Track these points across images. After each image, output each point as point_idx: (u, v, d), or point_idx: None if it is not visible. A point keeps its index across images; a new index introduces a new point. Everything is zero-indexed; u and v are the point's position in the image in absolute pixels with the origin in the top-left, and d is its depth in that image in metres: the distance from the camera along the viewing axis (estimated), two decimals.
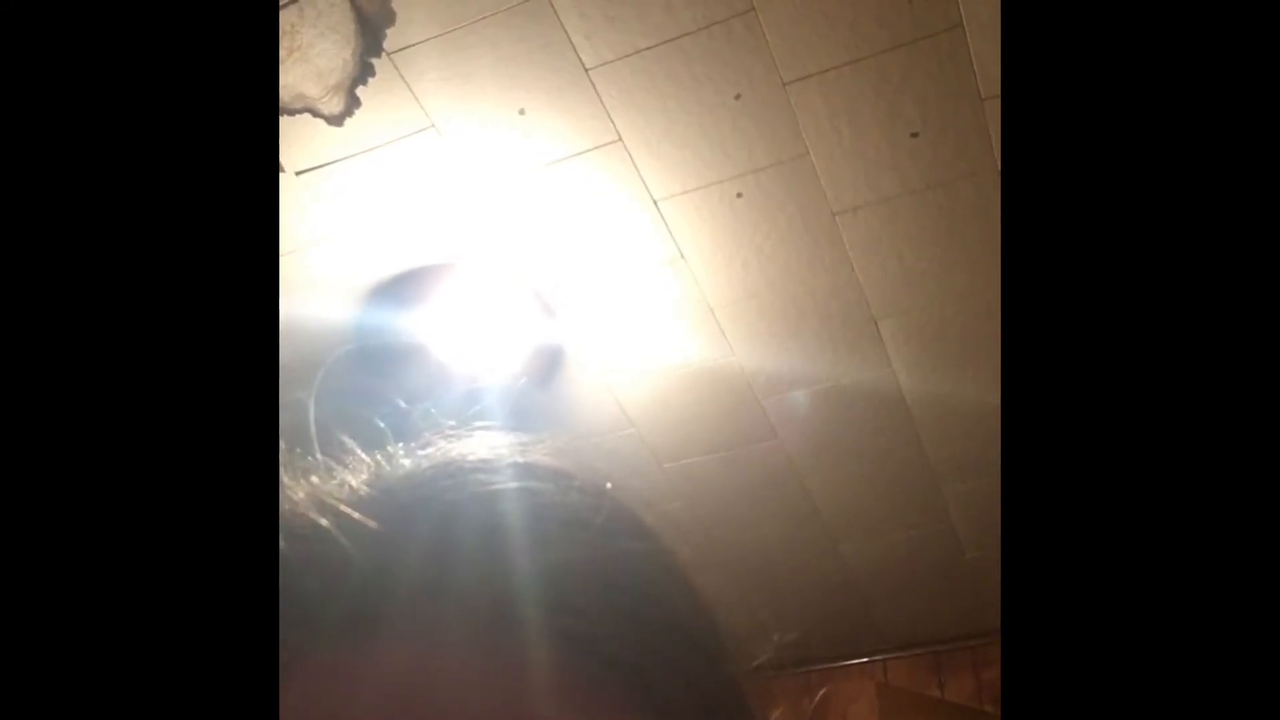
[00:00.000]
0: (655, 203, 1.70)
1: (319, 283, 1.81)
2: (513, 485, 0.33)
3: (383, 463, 0.34)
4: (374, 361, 1.89)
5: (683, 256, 1.78)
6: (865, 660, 2.73)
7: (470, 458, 0.34)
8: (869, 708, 2.56)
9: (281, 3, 1.41)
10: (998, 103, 1.54)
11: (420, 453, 0.35)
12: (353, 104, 1.53)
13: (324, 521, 0.31)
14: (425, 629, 0.29)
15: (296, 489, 0.32)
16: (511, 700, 0.28)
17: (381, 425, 0.35)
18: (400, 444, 0.35)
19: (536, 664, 0.29)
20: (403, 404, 0.37)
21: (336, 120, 1.54)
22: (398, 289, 1.84)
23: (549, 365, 1.97)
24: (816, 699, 2.72)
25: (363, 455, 0.34)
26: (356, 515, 0.31)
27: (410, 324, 1.87)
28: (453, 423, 0.35)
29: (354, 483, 0.33)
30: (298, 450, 0.33)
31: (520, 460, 0.34)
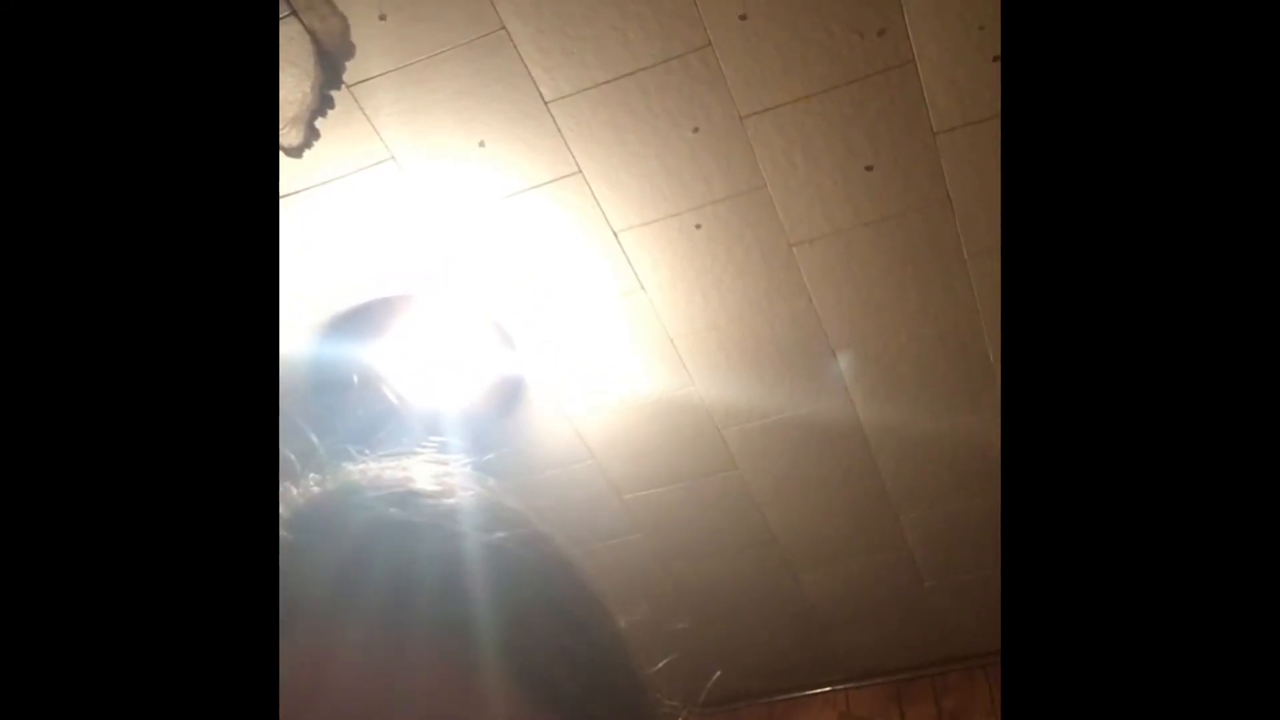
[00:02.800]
0: (615, 234, 1.71)
1: None
2: (399, 492, 0.35)
3: (291, 488, 0.36)
4: (332, 394, 1.88)
5: (642, 287, 1.80)
6: (827, 690, 2.73)
7: (367, 479, 0.36)
8: None
9: None
10: (948, 137, 1.58)
11: (329, 478, 0.37)
12: (312, 136, 1.54)
13: None
14: (323, 631, 0.30)
15: None
16: (395, 685, 0.29)
17: (291, 456, 0.37)
18: (311, 473, 0.36)
19: (425, 651, 0.30)
20: (313, 438, 0.38)
21: (295, 152, 1.54)
22: (357, 321, 1.84)
23: (509, 396, 1.97)
24: None
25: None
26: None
27: (368, 356, 1.86)
28: (366, 450, 0.37)
29: None
30: None
31: (406, 475, 0.36)
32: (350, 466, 0.36)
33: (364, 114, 1.54)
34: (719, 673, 2.44)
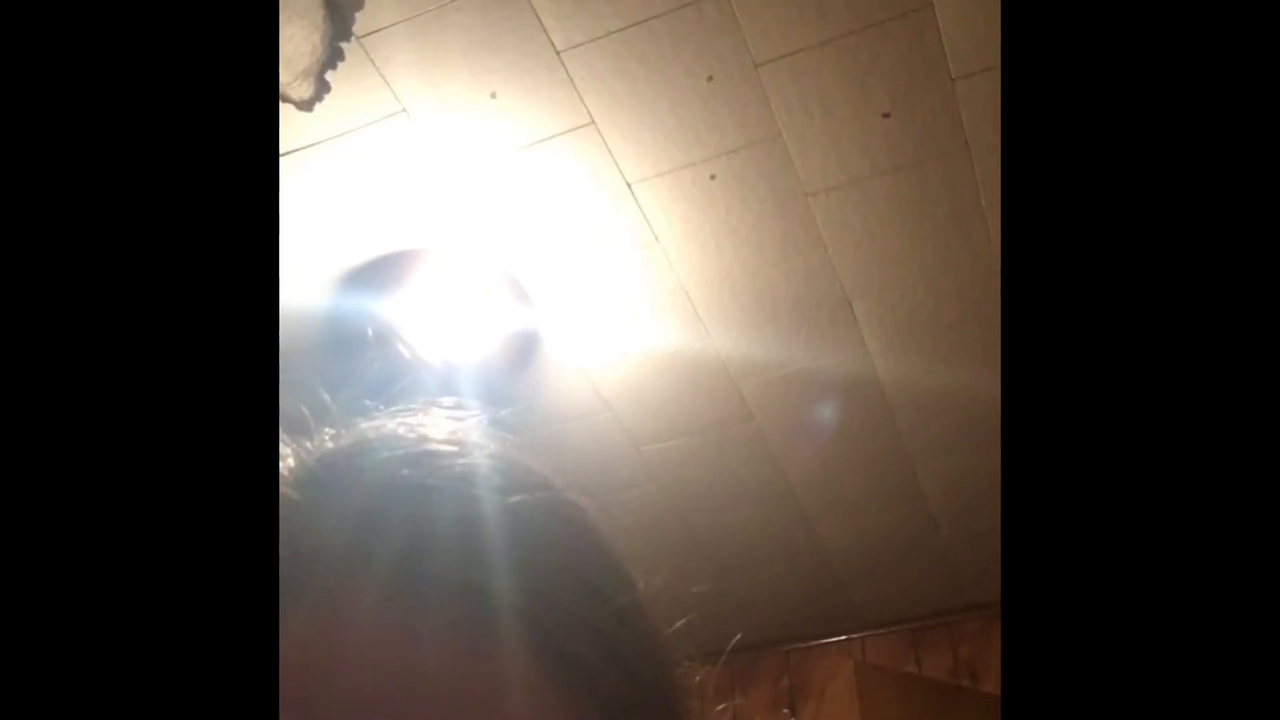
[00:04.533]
0: (629, 186, 1.70)
1: (289, 269, 1.80)
2: (413, 452, 0.34)
3: (305, 443, 0.36)
4: (346, 349, 1.88)
5: (657, 239, 1.79)
6: (843, 639, 2.75)
7: (379, 434, 0.35)
8: (847, 685, 2.59)
9: None
10: (967, 83, 1.55)
11: (342, 434, 0.36)
12: (322, 89, 1.52)
13: None
14: (338, 595, 0.30)
15: None
16: (412, 654, 0.29)
17: (305, 410, 0.36)
18: (326, 429, 0.36)
19: (441, 618, 0.30)
20: (325, 396, 0.37)
21: (306, 106, 1.53)
22: (370, 276, 1.84)
23: (524, 350, 1.97)
24: (795, 677, 2.75)
25: (285, 438, 0.35)
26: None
27: (383, 311, 1.86)
28: (380, 406, 0.37)
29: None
30: None
31: (422, 432, 0.35)
32: (364, 423, 0.36)
33: (374, 66, 1.52)
34: (739, 635, 2.46)
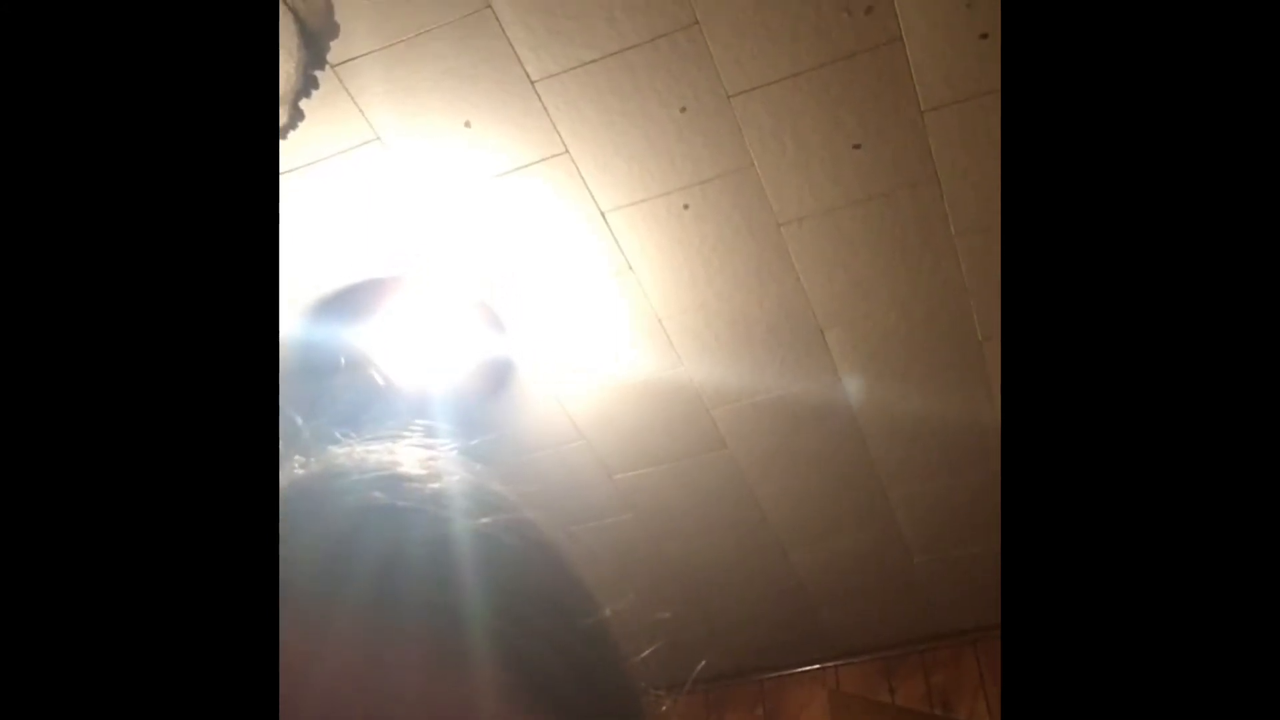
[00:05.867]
0: (603, 214, 1.71)
1: None
2: (384, 475, 0.35)
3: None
4: (318, 376, 1.87)
5: (631, 268, 1.79)
6: (817, 667, 2.75)
7: (352, 462, 0.36)
8: (822, 714, 2.58)
9: None
10: (936, 115, 1.57)
11: (313, 461, 0.36)
12: (296, 117, 1.52)
13: None
14: (312, 616, 0.30)
15: None
16: (384, 672, 0.29)
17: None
18: (295, 455, 0.36)
19: (413, 637, 0.30)
20: (298, 420, 0.38)
21: (280, 133, 1.53)
22: (343, 303, 1.83)
23: (497, 378, 1.97)
24: (769, 706, 2.74)
25: None
26: None
27: (355, 338, 1.85)
28: (352, 433, 0.37)
29: None
30: None
31: (393, 458, 0.36)
32: (335, 450, 0.36)
33: (349, 94, 1.53)
34: (704, 662, 2.46)
